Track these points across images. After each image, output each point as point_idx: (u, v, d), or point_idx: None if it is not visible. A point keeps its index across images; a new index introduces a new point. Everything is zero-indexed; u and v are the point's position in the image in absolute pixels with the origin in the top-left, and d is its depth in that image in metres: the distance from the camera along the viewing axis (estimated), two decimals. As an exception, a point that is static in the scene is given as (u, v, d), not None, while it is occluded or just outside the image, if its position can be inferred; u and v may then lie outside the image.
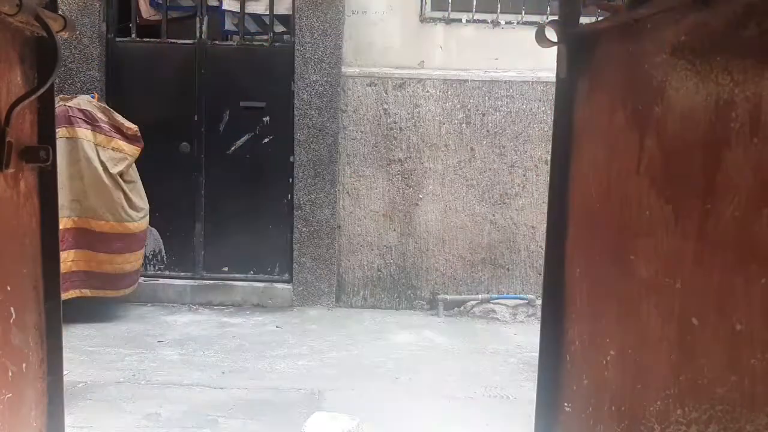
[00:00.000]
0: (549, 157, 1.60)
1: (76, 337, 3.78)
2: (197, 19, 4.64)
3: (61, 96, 4.06)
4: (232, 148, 4.68)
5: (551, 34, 1.51)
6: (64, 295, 3.79)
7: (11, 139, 1.20)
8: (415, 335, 4.14)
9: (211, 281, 4.69)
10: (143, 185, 4.20)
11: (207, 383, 3.25)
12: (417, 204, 4.64)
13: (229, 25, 4.70)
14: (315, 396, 3.15)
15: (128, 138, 4.06)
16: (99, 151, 3.94)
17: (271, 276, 4.74)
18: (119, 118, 4.05)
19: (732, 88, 0.93)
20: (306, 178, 4.58)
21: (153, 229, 4.58)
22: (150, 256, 4.68)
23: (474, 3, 4.56)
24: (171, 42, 4.64)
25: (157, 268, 4.73)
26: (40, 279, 1.39)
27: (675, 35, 1.09)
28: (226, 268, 4.73)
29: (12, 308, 1.26)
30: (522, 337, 4.15)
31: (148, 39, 4.67)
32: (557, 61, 1.52)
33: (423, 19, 4.62)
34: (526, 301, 4.56)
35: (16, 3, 1.11)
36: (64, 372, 1.49)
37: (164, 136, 4.60)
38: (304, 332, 4.12)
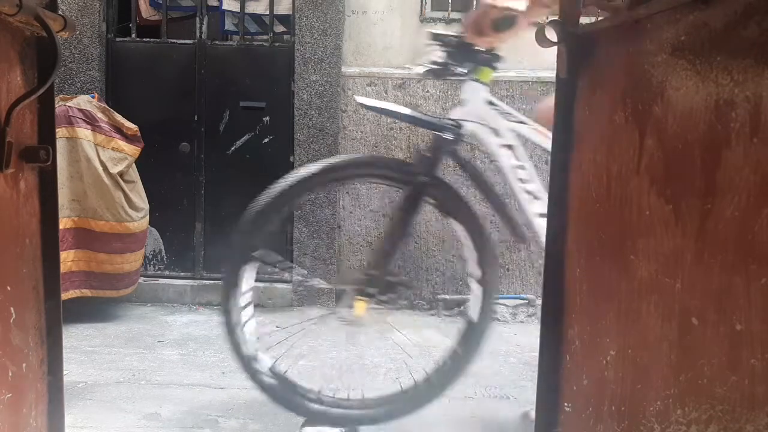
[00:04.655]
0: (549, 157, 1.59)
1: (76, 337, 3.78)
2: (197, 19, 4.65)
3: (61, 96, 4.06)
4: (232, 148, 4.68)
5: (551, 34, 1.50)
6: (64, 295, 3.80)
7: (11, 139, 1.20)
8: (415, 335, 4.13)
9: (211, 281, 4.70)
10: (143, 185, 4.20)
11: (207, 383, 3.25)
12: (417, 204, 4.64)
13: (229, 25, 4.71)
14: (315, 396, 3.14)
15: (128, 138, 4.06)
16: (99, 151, 3.94)
17: (271, 276, 4.74)
18: (119, 118, 4.05)
19: (732, 88, 0.93)
20: (306, 178, 4.58)
21: (153, 229, 4.58)
22: (150, 256, 4.69)
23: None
24: (171, 42, 4.64)
25: (157, 268, 4.74)
26: (41, 279, 1.38)
27: (675, 35, 1.09)
28: (226, 268, 4.73)
29: (12, 308, 1.26)
30: (522, 337, 4.15)
31: (148, 39, 4.67)
32: (557, 61, 1.52)
33: (423, 19, 4.62)
34: (526, 301, 4.56)
35: (16, 3, 1.11)
36: (64, 372, 1.49)
37: (164, 136, 4.61)
38: (304, 332, 4.11)
